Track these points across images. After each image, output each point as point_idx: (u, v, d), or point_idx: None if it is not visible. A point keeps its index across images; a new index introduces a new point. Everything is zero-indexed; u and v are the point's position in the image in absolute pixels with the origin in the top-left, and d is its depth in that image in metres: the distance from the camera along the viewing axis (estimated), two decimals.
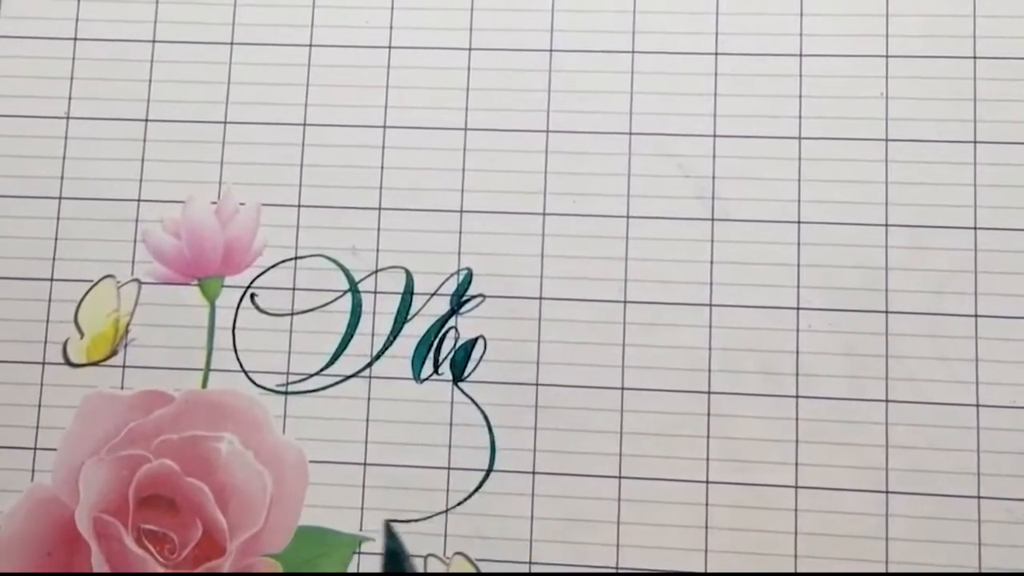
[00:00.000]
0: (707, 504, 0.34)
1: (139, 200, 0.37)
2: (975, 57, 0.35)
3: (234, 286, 0.36)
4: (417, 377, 0.35)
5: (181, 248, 0.36)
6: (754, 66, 0.36)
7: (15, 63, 0.37)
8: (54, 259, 0.36)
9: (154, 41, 0.37)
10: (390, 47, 0.37)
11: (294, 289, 0.36)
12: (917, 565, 0.33)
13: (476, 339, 0.35)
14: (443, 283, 0.36)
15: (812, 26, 0.36)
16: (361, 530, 0.34)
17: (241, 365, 0.36)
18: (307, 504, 0.35)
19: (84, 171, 0.37)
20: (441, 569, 0.34)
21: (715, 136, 0.36)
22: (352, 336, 0.36)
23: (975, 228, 0.35)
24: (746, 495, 0.34)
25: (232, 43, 0.37)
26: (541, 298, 0.35)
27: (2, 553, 0.35)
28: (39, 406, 0.36)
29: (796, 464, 0.34)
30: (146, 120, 0.37)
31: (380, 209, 0.36)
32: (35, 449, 0.36)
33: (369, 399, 0.35)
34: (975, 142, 0.35)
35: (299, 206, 0.36)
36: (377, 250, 0.36)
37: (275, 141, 0.37)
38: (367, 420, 0.35)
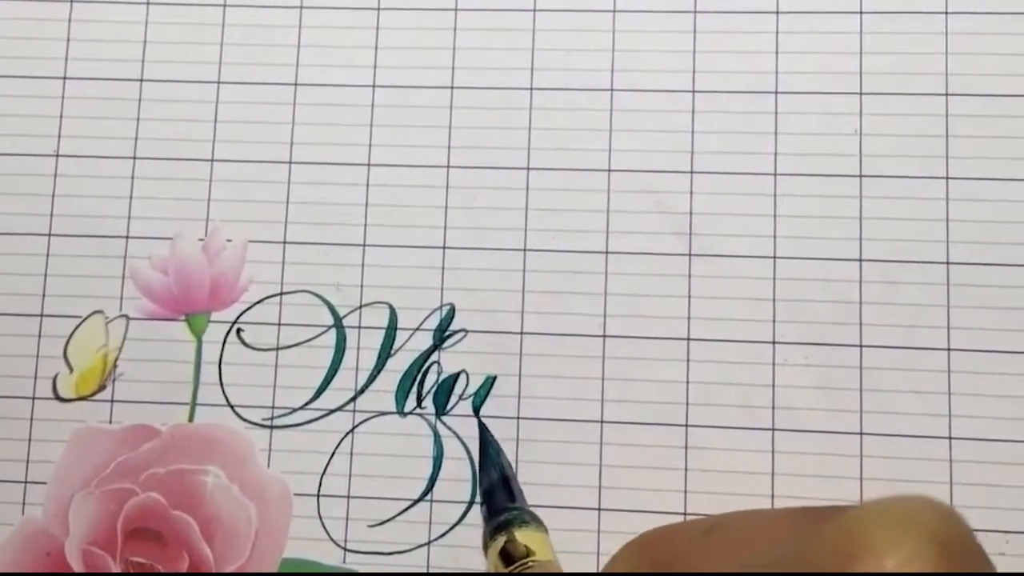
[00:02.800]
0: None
1: (127, 237, 0.37)
2: (947, 94, 0.36)
3: (220, 321, 0.37)
4: (400, 411, 0.36)
5: (168, 284, 0.37)
6: (731, 103, 0.37)
7: (6, 102, 0.38)
8: (44, 295, 0.37)
9: (142, 80, 0.38)
10: (374, 86, 0.37)
11: (279, 324, 0.37)
12: None
13: (459, 373, 0.36)
14: (426, 318, 0.36)
15: (787, 64, 0.37)
16: (344, 562, 0.35)
17: (227, 399, 0.36)
18: (291, 536, 0.35)
19: (73, 208, 0.37)
20: None
21: (692, 172, 0.36)
22: (337, 370, 0.36)
23: (947, 263, 0.35)
24: None
25: (219, 82, 0.38)
26: (522, 333, 0.36)
27: None
28: (29, 440, 0.36)
29: (772, 496, 0.34)
30: (134, 158, 0.38)
31: (364, 246, 0.37)
32: (26, 482, 0.36)
33: (353, 432, 0.36)
34: (947, 178, 0.36)
35: (285, 243, 0.37)
36: (361, 286, 0.37)
37: (261, 179, 0.37)
38: (351, 453, 0.36)
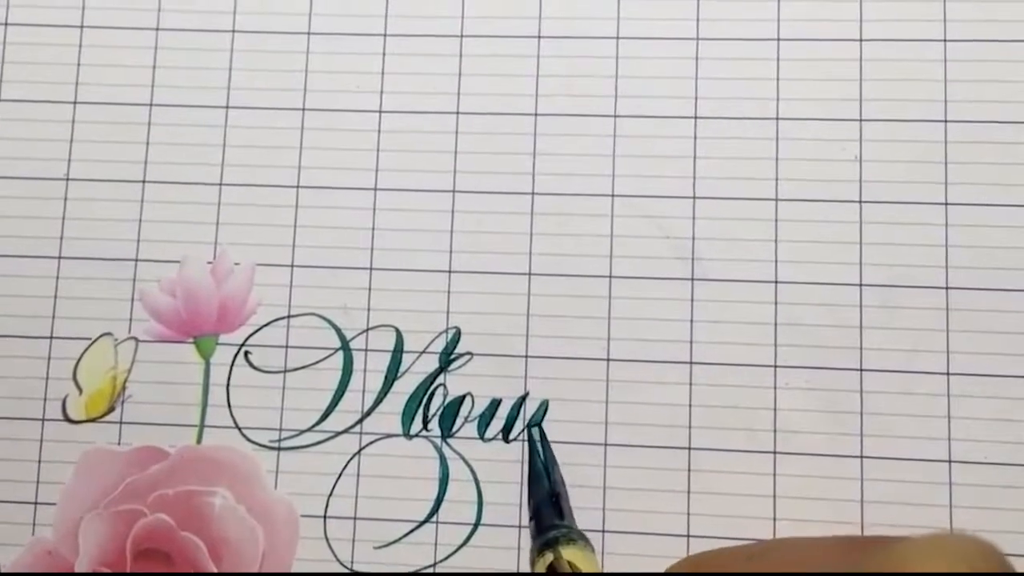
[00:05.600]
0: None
1: (136, 260, 0.38)
2: (946, 121, 0.37)
3: (228, 344, 0.37)
4: (406, 433, 0.36)
5: (177, 307, 0.37)
6: (732, 129, 0.37)
7: (17, 126, 0.39)
8: (53, 317, 0.37)
9: (151, 104, 0.39)
10: (380, 111, 0.38)
11: (287, 347, 0.37)
12: None
13: (464, 396, 0.36)
14: (432, 341, 0.37)
15: (788, 91, 0.37)
16: None
17: (235, 421, 0.37)
18: (298, 558, 0.36)
19: (83, 231, 0.38)
20: None
21: (695, 198, 0.37)
22: (343, 393, 0.37)
23: (947, 288, 0.36)
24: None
25: (227, 107, 0.38)
26: (527, 356, 0.36)
27: None
28: (39, 461, 0.37)
29: (774, 519, 0.35)
30: (143, 182, 0.38)
31: (371, 269, 0.37)
32: (36, 503, 0.36)
33: (360, 454, 0.36)
34: (946, 204, 0.36)
35: (292, 266, 0.37)
36: (368, 309, 0.37)
37: (269, 203, 0.38)
38: (357, 475, 0.36)
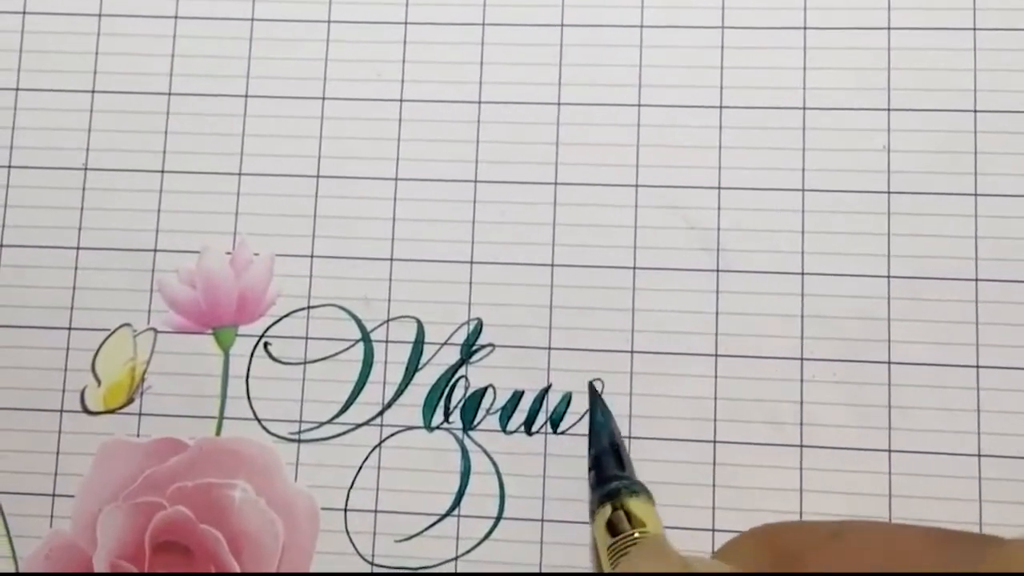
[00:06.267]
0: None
1: (155, 250, 0.37)
2: (975, 111, 0.36)
3: (248, 335, 0.37)
4: (428, 425, 0.36)
5: (196, 298, 0.37)
6: (758, 119, 0.37)
7: (35, 115, 0.38)
8: (72, 308, 0.37)
9: (170, 94, 0.38)
10: (401, 100, 0.38)
11: (307, 338, 0.37)
12: None
13: (486, 388, 0.36)
14: (453, 333, 0.36)
15: (815, 80, 0.37)
16: None
17: (254, 413, 0.36)
18: (319, 551, 0.35)
19: (102, 222, 0.38)
20: None
21: (720, 188, 0.36)
22: (364, 385, 0.36)
23: (976, 280, 0.35)
24: None
25: (247, 95, 0.38)
26: (550, 348, 0.36)
27: None
28: (57, 453, 0.36)
29: (800, 513, 0.34)
30: (162, 171, 0.38)
31: (392, 260, 0.37)
32: (54, 496, 0.36)
33: (380, 447, 0.36)
34: (976, 194, 0.36)
35: (312, 256, 0.37)
36: (389, 300, 0.37)
37: (289, 193, 0.37)
38: (378, 468, 0.36)
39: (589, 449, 0.34)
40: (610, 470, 0.33)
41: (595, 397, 0.35)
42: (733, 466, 0.35)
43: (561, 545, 0.35)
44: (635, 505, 0.31)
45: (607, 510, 0.31)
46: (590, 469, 0.34)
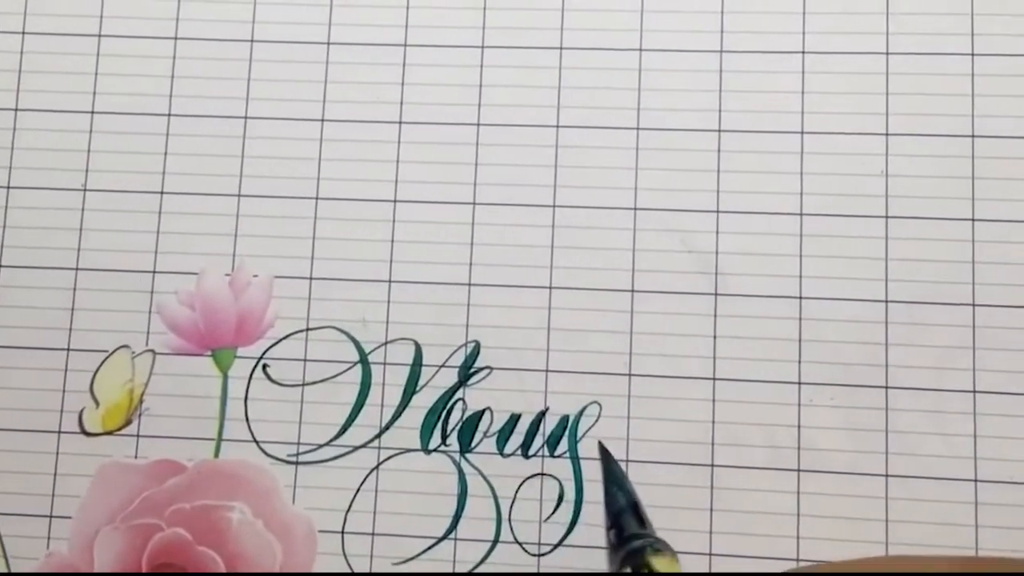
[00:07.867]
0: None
1: (154, 272, 0.37)
2: (973, 136, 0.36)
3: (246, 357, 0.37)
4: (425, 448, 0.36)
5: (195, 319, 0.37)
6: (756, 143, 0.37)
7: (34, 136, 0.38)
8: (70, 329, 0.37)
9: (169, 115, 0.38)
10: (400, 122, 0.38)
11: (305, 360, 0.37)
12: None
13: (483, 411, 0.36)
14: (451, 355, 0.36)
15: (813, 104, 0.37)
16: None
17: (253, 435, 0.36)
18: (316, 573, 0.35)
19: (101, 243, 0.38)
20: None
21: (718, 212, 0.36)
22: (362, 407, 0.36)
23: (973, 305, 0.35)
24: (749, 568, 0.34)
25: (245, 117, 0.38)
26: (547, 371, 0.36)
27: None
28: (55, 475, 0.36)
29: (797, 537, 0.34)
30: (161, 193, 0.38)
31: (390, 282, 0.37)
32: (51, 517, 0.36)
33: (378, 469, 0.36)
34: (973, 220, 0.36)
35: (311, 278, 0.37)
36: (387, 322, 0.37)
37: (288, 215, 0.37)
38: (376, 490, 0.36)
39: (606, 508, 0.34)
40: (631, 528, 0.33)
41: (607, 455, 0.35)
42: (730, 490, 0.35)
43: (557, 569, 0.35)
44: (660, 564, 0.31)
45: (631, 569, 0.31)
46: (609, 528, 0.34)
